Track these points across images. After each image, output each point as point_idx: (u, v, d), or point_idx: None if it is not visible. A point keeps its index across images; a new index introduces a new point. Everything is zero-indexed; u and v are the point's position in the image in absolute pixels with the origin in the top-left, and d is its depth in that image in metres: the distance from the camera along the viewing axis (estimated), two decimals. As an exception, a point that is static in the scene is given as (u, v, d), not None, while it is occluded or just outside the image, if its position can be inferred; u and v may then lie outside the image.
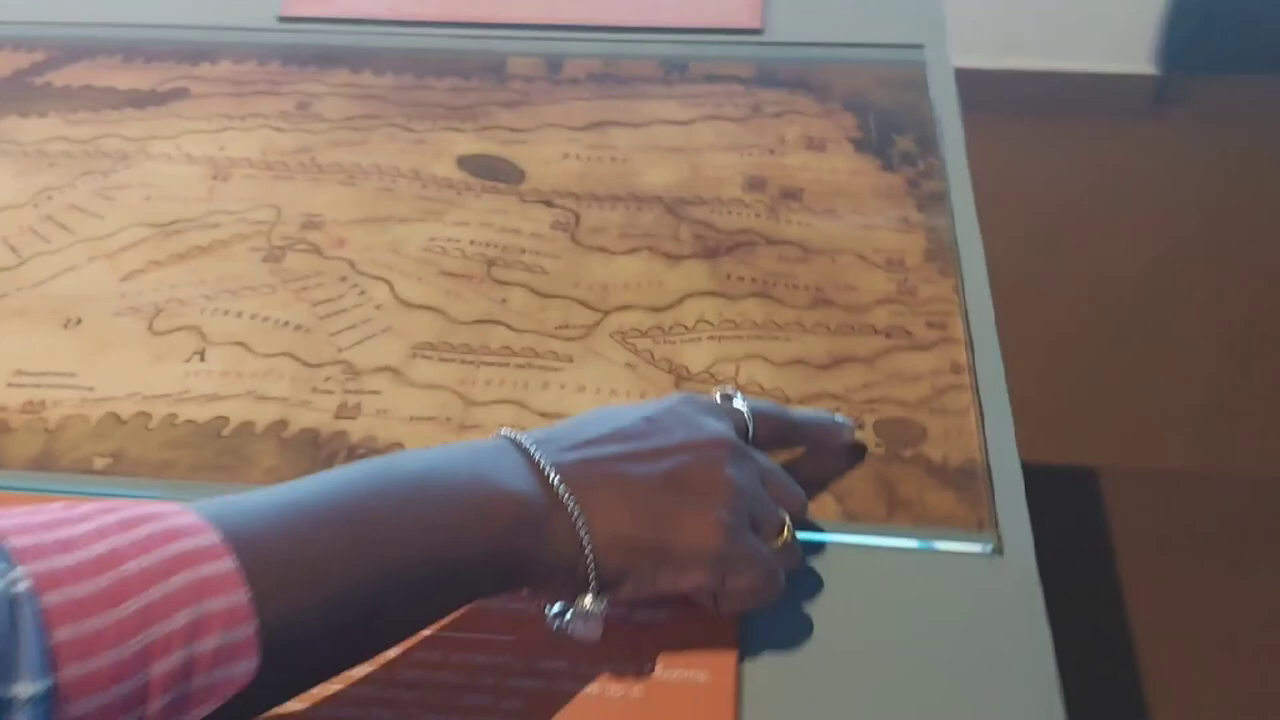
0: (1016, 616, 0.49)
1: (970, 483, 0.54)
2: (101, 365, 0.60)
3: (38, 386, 0.59)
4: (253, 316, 0.63)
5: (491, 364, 0.60)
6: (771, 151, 0.74)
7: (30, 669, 0.30)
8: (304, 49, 0.83)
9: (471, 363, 0.60)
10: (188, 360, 0.60)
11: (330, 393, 0.58)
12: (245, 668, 0.35)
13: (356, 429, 0.57)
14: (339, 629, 0.38)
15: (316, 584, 0.37)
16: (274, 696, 0.38)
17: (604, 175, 0.72)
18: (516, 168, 0.73)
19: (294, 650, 0.36)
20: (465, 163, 0.73)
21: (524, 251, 0.67)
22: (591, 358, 0.60)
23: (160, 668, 0.33)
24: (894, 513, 0.53)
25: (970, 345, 0.61)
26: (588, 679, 0.46)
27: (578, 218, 0.69)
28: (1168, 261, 1.81)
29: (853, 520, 0.53)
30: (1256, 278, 1.78)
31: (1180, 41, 2.10)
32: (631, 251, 0.67)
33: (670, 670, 0.46)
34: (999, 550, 0.51)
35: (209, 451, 0.56)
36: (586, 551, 0.41)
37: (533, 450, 0.43)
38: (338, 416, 0.57)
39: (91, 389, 0.59)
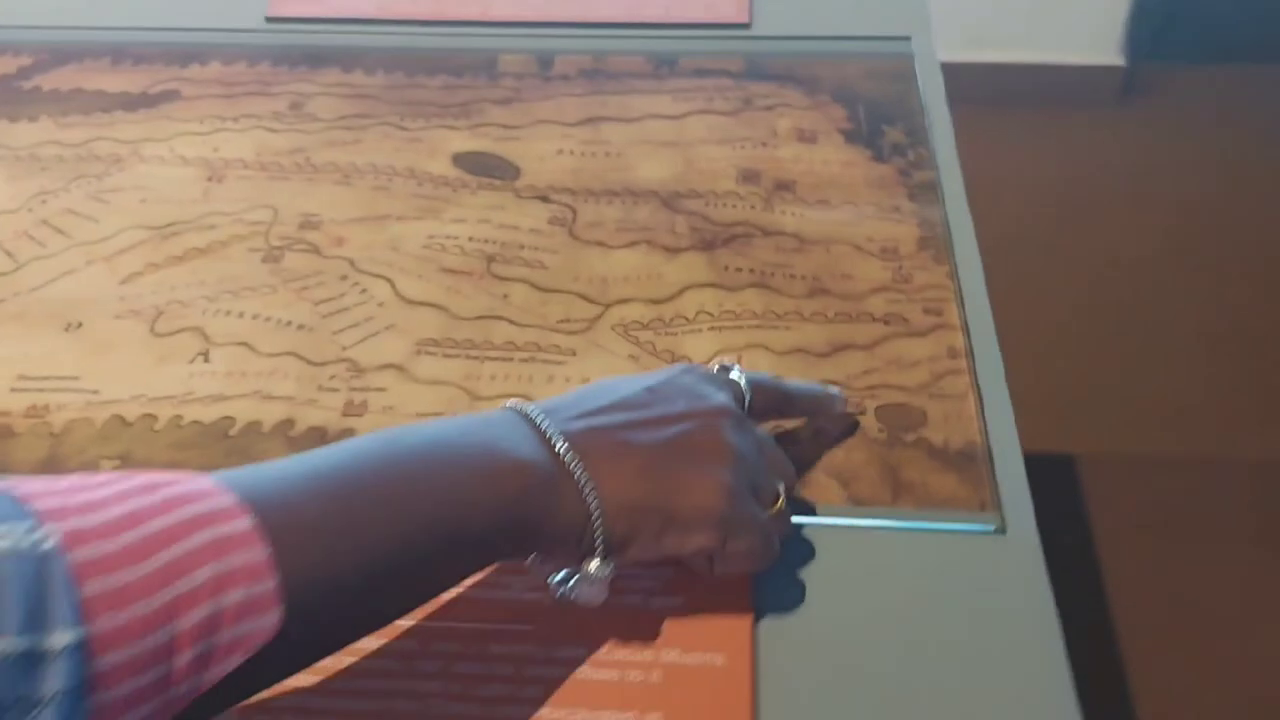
0: (1021, 594, 0.50)
1: (971, 465, 0.55)
2: (104, 368, 0.60)
3: (41, 391, 0.59)
4: (255, 317, 0.63)
5: (495, 359, 0.60)
6: (764, 144, 0.75)
7: (63, 621, 0.31)
8: (293, 49, 0.83)
9: (476, 358, 0.60)
10: (191, 361, 0.60)
11: (336, 390, 0.59)
12: (269, 621, 0.35)
13: (364, 426, 0.57)
14: (357, 591, 0.38)
15: (334, 546, 0.38)
16: (297, 657, 0.39)
17: (599, 170, 0.73)
18: (511, 164, 0.73)
19: (314, 611, 0.37)
20: (460, 160, 0.74)
21: (523, 247, 0.67)
22: (594, 350, 0.61)
23: (187, 621, 0.34)
24: (899, 496, 0.54)
25: (966, 330, 0.62)
26: (606, 665, 0.47)
27: (574, 213, 0.70)
28: (1142, 249, 1.83)
29: (859, 504, 0.53)
30: (1230, 263, 1.80)
31: (1146, 33, 2.13)
32: (629, 245, 0.67)
33: (688, 654, 0.47)
34: (1002, 530, 0.52)
35: (217, 451, 0.56)
36: (594, 516, 0.42)
37: (540, 420, 0.44)
38: (345, 414, 0.58)
39: (96, 392, 0.59)
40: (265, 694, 0.45)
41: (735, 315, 0.63)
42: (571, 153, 0.74)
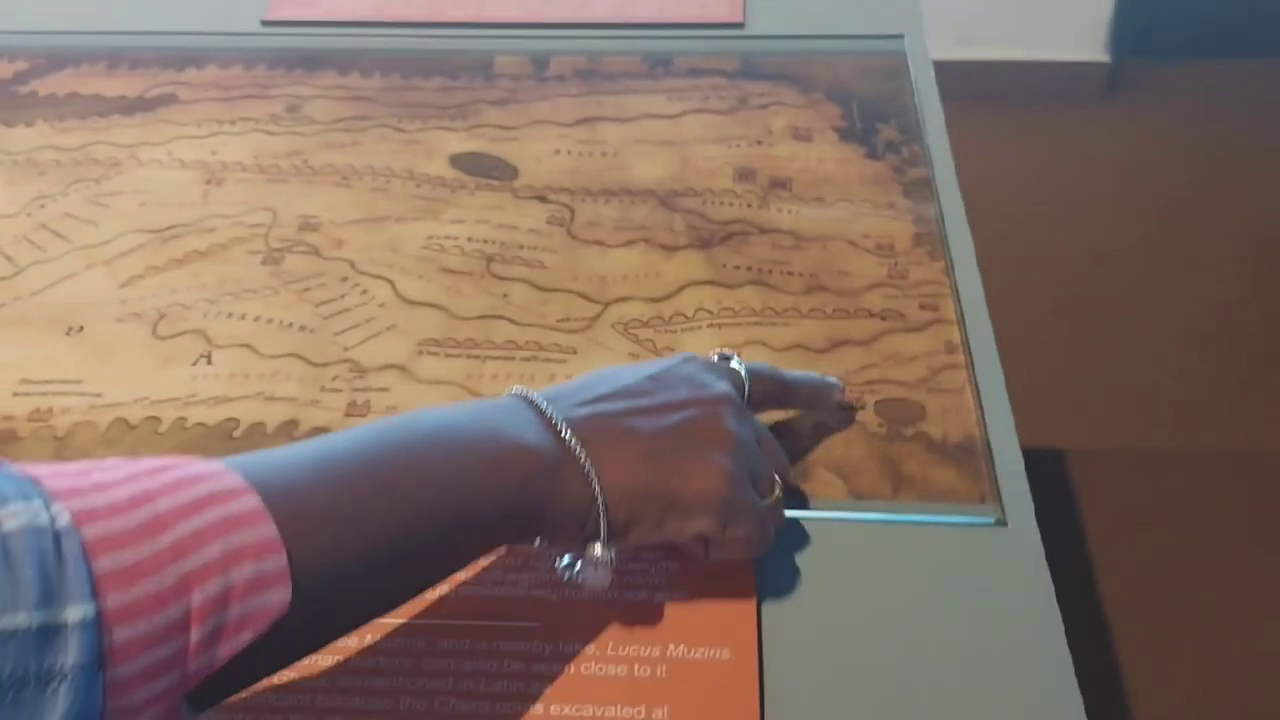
0: (1022, 584, 0.50)
1: (970, 458, 0.56)
2: (107, 371, 0.60)
3: (44, 395, 0.59)
4: (256, 318, 0.63)
5: (497, 358, 0.61)
6: (759, 143, 0.75)
7: (78, 596, 0.32)
8: (290, 52, 0.83)
9: (477, 357, 0.61)
10: (194, 364, 0.61)
11: (339, 391, 0.59)
12: (279, 597, 0.36)
13: (367, 426, 0.57)
14: (365, 572, 0.39)
15: (341, 528, 0.38)
16: (308, 638, 0.39)
17: (595, 170, 0.73)
18: (509, 165, 0.74)
19: (323, 591, 0.37)
20: (458, 161, 0.74)
21: (522, 247, 0.68)
22: (595, 349, 0.61)
23: (199, 596, 0.34)
24: (899, 490, 0.54)
25: (963, 325, 0.62)
26: (613, 661, 0.47)
27: (572, 212, 0.70)
28: (1130, 243, 1.85)
29: (861, 499, 0.54)
30: (1218, 257, 1.81)
31: (1131, 30, 2.15)
32: (627, 244, 0.68)
33: (694, 649, 0.47)
34: (1002, 521, 0.53)
35: (221, 453, 0.55)
36: (597, 501, 0.43)
37: (545, 406, 0.44)
38: (348, 414, 0.58)
39: (99, 395, 0.59)
40: (274, 695, 0.46)
41: (734, 312, 0.63)
42: (568, 153, 0.75)
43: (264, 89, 0.80)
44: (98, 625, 0.32)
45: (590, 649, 0.47)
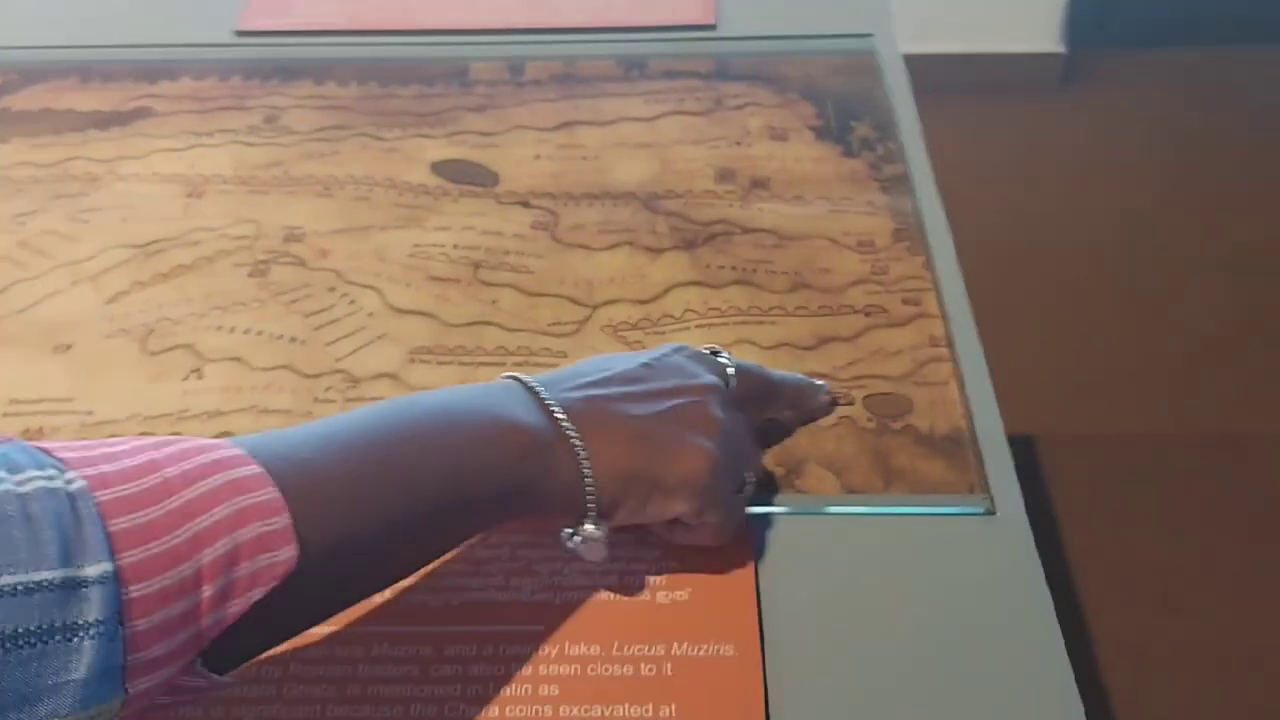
0: (1013, 571, 0.52)
1: (958, 449, 0.57)
2: (98, 388, 0.60)
3: (34, 414, 0.59)
4: (245, 331, 0.63)
5: (488, 364, 0.61)
6: (737, 143, 0.76)
7: (95, 554, 0.33)
8: (265, 63, 0.83)
9: (469, 364, 0.61)
10: (185, 379, 0.61)
11: (332, 402, 0.59)
12: (286, 555, 0.37)
13: (363, 435, 0.57)
14: (368, 540, 0.40)
15: (342, 496, 0.40)
16: (314, 607, 0.41)
17: (577, 174, 0.74)
18: (490, 171, 0.74)
19: (327, 555, 0.39)
20: (439, 168, 0.74)
21: (508, 253, 0.68)
22: (586, 352, 0.62)
23: (209, 555, 0.36)
24: (891, 483, 0.55)
25: (945, 318, 0.63)
26: (619, 661, 0.48)
27: (556, 217, 0.71)
28: (1094, 231, 1.88)
29: (853, 493, 0.55)
30: (1182, 242, 1.85)
31: (1084, 20, 2.18)
32: (612, 247, 0.68)
33: (698, 647, 0.48)
34: (991, 511, 0.54)
35: (217, 467, 0.56)
36: (587, 481, 0.45)
37: (539, 390, 0.46)
38: (342, 424, 0.58)
39: (90, 412, 0.59)
40: (284, 707, 0.46)
41: (721, 312, 0.64)
42: (549, 157, 0.75)
43: (240, 100, 0.80)
44: (116, 581, 0.33)
45: (595, 650, 0.48)
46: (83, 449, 0.36)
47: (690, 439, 0.47)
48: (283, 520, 0.37)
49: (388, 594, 0.50)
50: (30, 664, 0.31)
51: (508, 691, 0.47)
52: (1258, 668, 1.27)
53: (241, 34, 0.86)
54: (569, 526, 0.47)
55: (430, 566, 0.50)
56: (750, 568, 0.51)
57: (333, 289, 0.66)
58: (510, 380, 0.47)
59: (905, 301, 0.65)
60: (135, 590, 0.34)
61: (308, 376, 0.61)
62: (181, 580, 0.35)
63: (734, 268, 0.67)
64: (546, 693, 0.47)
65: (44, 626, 0.32)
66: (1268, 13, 2.29)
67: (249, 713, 0.46)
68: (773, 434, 0.57)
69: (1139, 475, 1.48)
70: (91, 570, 0.33)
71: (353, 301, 0.65)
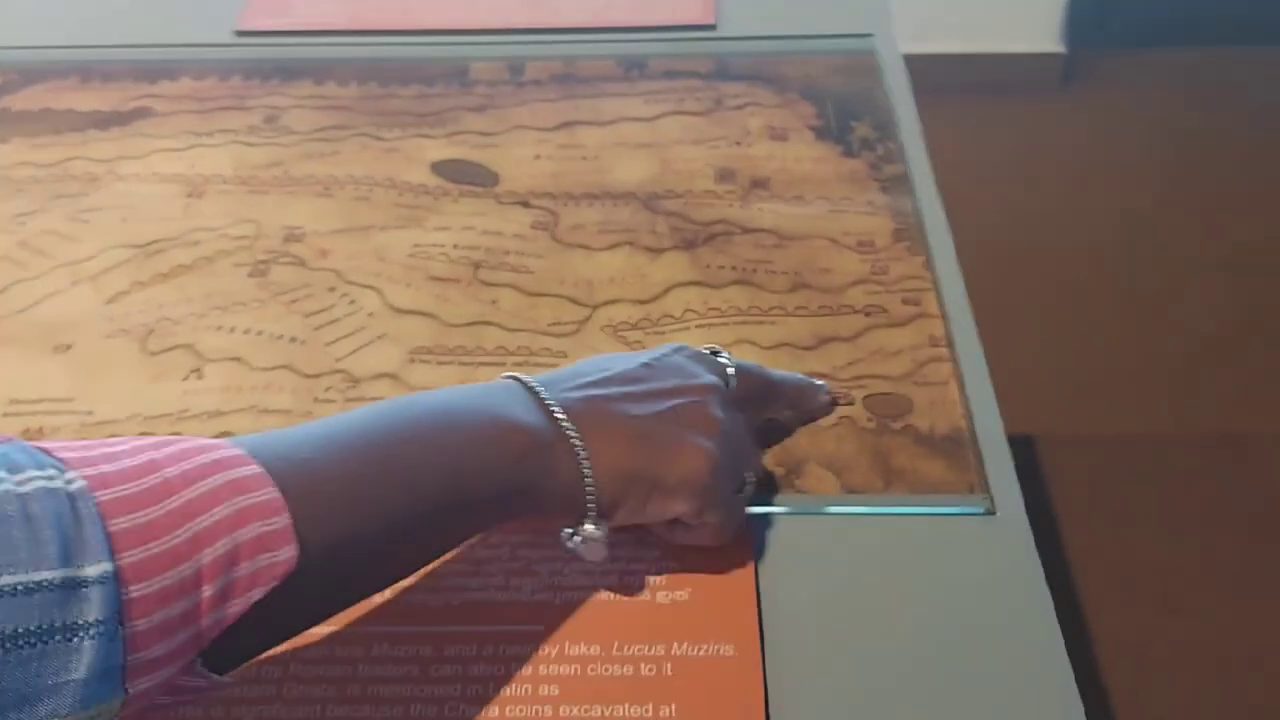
0: (1013, 571, 0.52)
1: (958, 449, 0.57)
2: (98, 388, 0.60)
3: (34, 414, 0.59)
4: (245, 331, 0.63)
5: (489, 364, 0.61)
6: (737, 143, 0.76)
7: (96, 554, 0.33)
8: (264, 63, 0.83)
9: (469, 364, 0.61)
10: (185, 378, 0.61)
11: (333, 402, 0.59)
12: (286, 555, 0.37)
13: (363, 435, 0.57)
14: (368, 540, 0.40)
15: (343, 495, 0.40)
16: (316, 603, 0.41)
17: (577, 174, 0.74)
18: (490, 171, 0.74)
19: (328, 555, 0.39)
20: (439, 168, 0.74)
21: (508, 253, 0.68)
22: (586, 352, 0.62)
23: (209, 555, 0.36)
24: (891, 483, 0.55)
25: (945, 318, 0.63)
26: (619, 661, 0.48)
27: (556, 217, 0.71)
28: (1093, 231, 1.88)
29: (853, 493, 0.55)
30: (1182, 241, 1.85)
31: (1084, 20, 2.19)
32: (612, 247, 0.68)
33: (698, 646, 0.48)
34: (991, 511, 0.54)
35: (217, 467, 0.56)
36: (587, 481, 0.45)
37: (540, 390, 0.46)
38: (342, 424, 0.58)
39: (90, 412, 0.59)
40: (284, 707, 0.46)
41: (721, 312, 0.64)
42: (549, 157, 0.75)
43: (240, 100, 0.80)
44: (116, 581, 0.33)
45: (595, 650, 0.48)
46: (83, 449, 0.36)
47: (690, 439, 0.47)
48: (283, 520, 0.37)
49: (388, 594, 0.50)
50: (30, 664, 0.31)
51: (508, 691, 0.47)
52: (1258, 668, 1.27)
53: (241, 34, 0.86)
54: (569, 526, 0.47)
55: (430, 567, 0.50)
56: (750, 568, 0.51)
57: (333, 289, 0.66)
58: (510, 380, 0.47)
59: (905, 301, 0.65)
60: (135, 590, 0.34)
61: (308, 376, 0.61)
62: (181, 580, 0.35)
63: (734, 268, 0.67)
64: (546, 693, 0.47)
65: (44, 626, 0.32)
66: (1267, 13, 2.29)
67: (249, 713, 0.46)
68: (773, 434, 0.57)
69: (1139, 475, 1.48)
70: (91, 570, 0.33)
71: (353, 301, 0.65)
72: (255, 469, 0.38)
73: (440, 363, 0.61)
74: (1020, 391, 1.56)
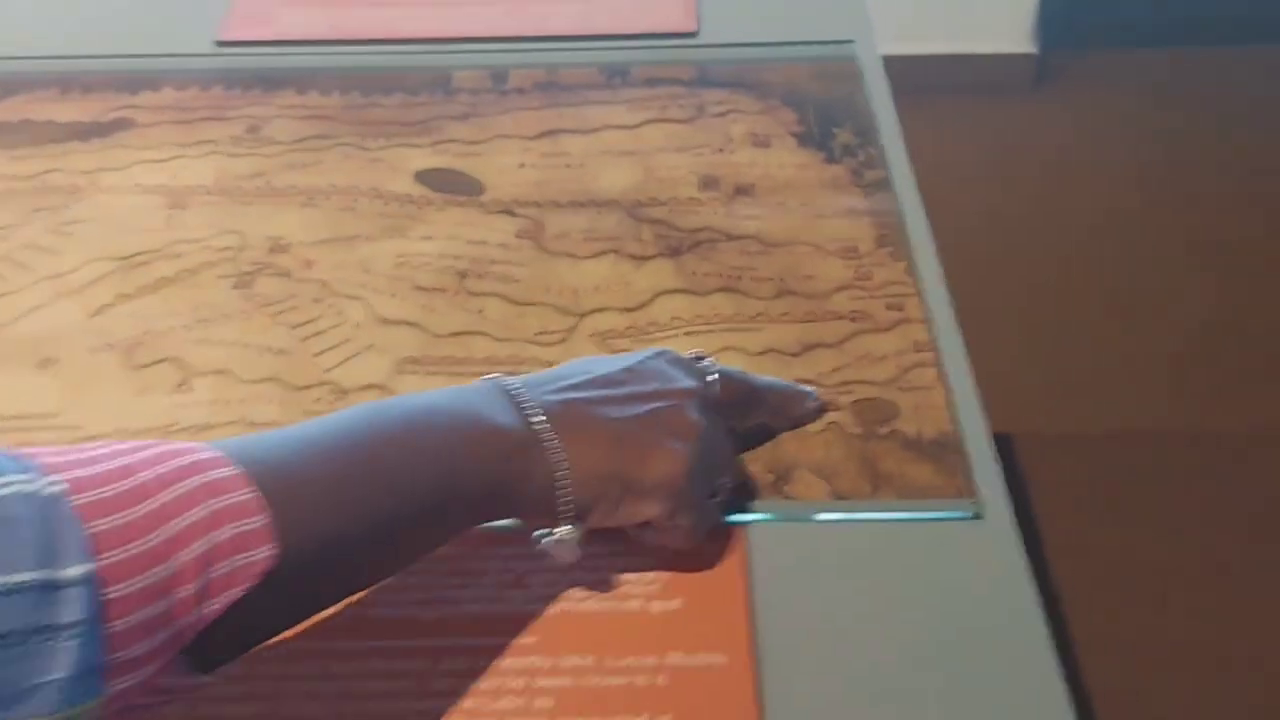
0: (1002, 575, 0.52)
1: (944, 454, 0.57)
2: (84, 403, 0.60)
3: (20, 430, 0.59)
4: (232, 344, 0.63)
5: (477, 374, 0.60)
6: (720, 150, 0.76)
7: (74, 555, 0.34)
8: (246, 73, 0.83)
9: (458, 374, 0.61)
10: (172, 392, 0.60)
11: (322, 414, 0.59)
12: (264, 554, 0.38)
13: (352, 447, 0.57)
14: (347, 540, 0.41)
15: (322, 495, 0.41)
16: (293, 607, 0.42)
17: (561, 182, 0.74)
18: (475, 180, 0.74)
19: (306, 555, 0.39)
20: (423, 177, 0.74)
21: (493, 262, 0.68)
22: (578, 359, 0.62)
23: (187, 555, 0.36)
24: (879, 488, 0.56)
25: (929, 323, 0.64)
26: (613, 672, 0.48)
27: (541, 225, 0.71)
28: (1069, 230, 1.89)
29: (842, 498, 0.55)
30: (1156, 239, 1.86)
31: (1056, 20, 2.21)
32: (598, 255, 0.69)
33: (692, 656, 0.48)
34: (979, 515, 0.55)
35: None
36: (563, 483, 0.46)
37: (519, 392, 0.47)
38: (331, 437, 0.58)
39: (77, 428, 0.59)
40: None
41: (707, 320, 0.64)
42: (533, 165, 0.75)
43: (222, 110, 0.79)
44: (95, 582, 0.34)
45: (589, 661, 0.48)
46: (60, 454, 0.37)
47: (665, 442, 0.47)
48: (260, 520, 0.38)
49: (381, 609, 0.50)
50: (11, 665, 0.32)
51: (503, 705, 0.47)
52: (1258, 668, 1.28)
53: (222, 44, 0.85)
54: (545, 528, 0.47)
55: (423, 579, 0.51)
56: (742, 576, 0.51)
57: (319, 300, 0.66)
58: (491, 382, 0.48)
59: (889, 307, 0.65)
60: (114, 591, 0.34)
61: (296, 388, 0.60)
62: (160, 580, 0.35)
63: (719, 275, 0.67)
64: (542, 705, 0.47)
65: (24, 628, 0.32)
66: (1233, 13, 2.32)
67: (244, 728, 0.46)
68: (756, 437, 0.58)
69: (1121, 473, 1.50)
70: (70, 572, 0.33)
71: (339, 312, 0.65)
72: (232, 470, 0.38)
73: (429, 373, 0.61)
74: (999, 391, 1.57)
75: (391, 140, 0.77)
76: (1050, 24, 2.21)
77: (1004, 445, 1.49)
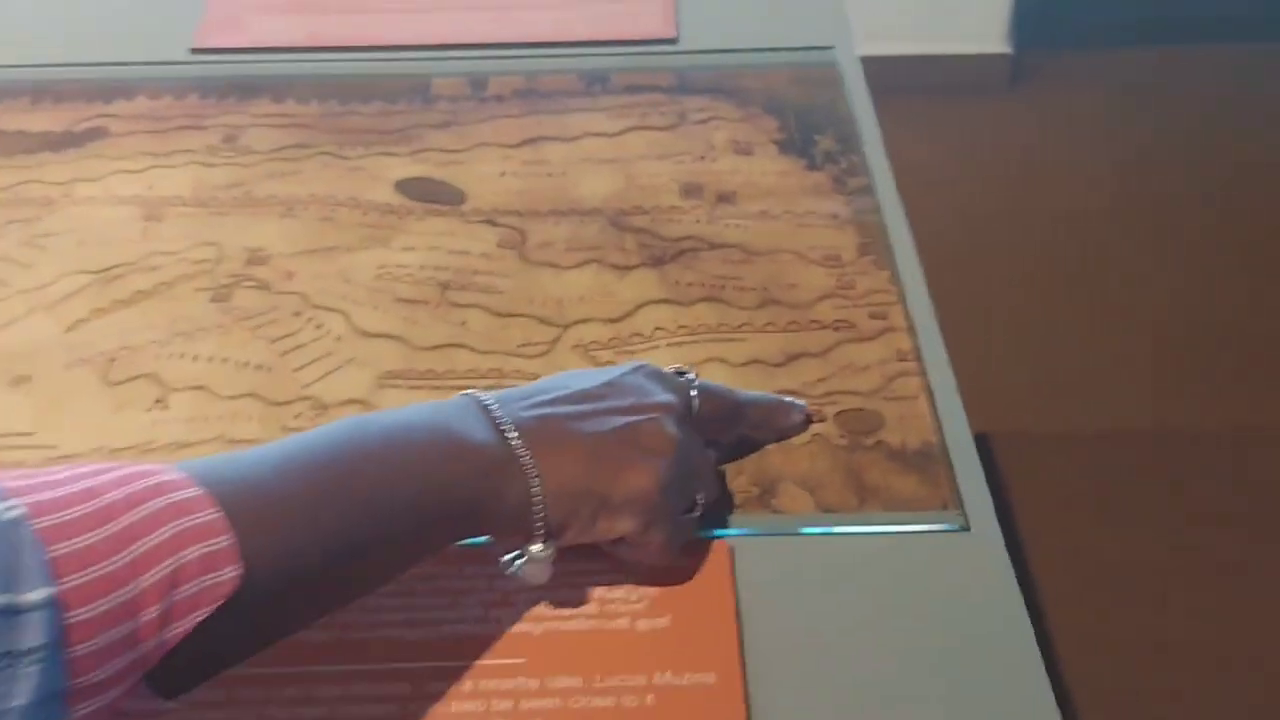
0: (988, 587, 0.52)
1: (929, 464, 0.57)
2: (60, 422, 0.59)
3: (-6, 448, 0.58)
4: (210, 359, 0.62)
5: (460, 387, 0.60)
6: (702, 158, 0.76)
7: (35, 579, 0.33)
8: (221, 80, 0.82)
9: (440, 388, 0.61)
10: (149, 409, 0.59)
11: (302, 430, 0.58)
12: (230, 576, 0.37)
13: (334, 464, 0.57)
14: (318, 560, 0.41)
15: (290, 515, 0.40)
16: (265, 626, 0.41)
17: (543, 190, 0.73)
18: (455, 189, 0.74)
19: (275, 576, 0.39)
20: (403, 186, 0.74)
21: (475, 273, 0.68)
22: (557, 373, 0.61)
23: (150, 578, 0.36)
24: (865, 500, 0.56)
25: (913, 332, 0.64)
26: (601, 692, 0.47)
27: (523, 235, 0.70)
28: (1048, 230, 1.90)
29: (828, 511, 0.55)
30: (1135, 239, 1.88)
31: (1030, 21, 2.22)
32: (580, 265, 0.68)
33: (680, 675, 0.48)
34: (965, 527, 0.54)
35: (186, 499, 0.55)
36: (536, 500, 0.45)
37: (494, 408, 0.46)
38: (313, 453, 0.57)
39: (53, 447, 0.58)
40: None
41: (691, 330, 0.64)
42: (514, 174, 0.75)
43: (198, 119, 0.78)
44: (56, 606, 0.33)
45: (576, 681, 0.48)
46: (22, 477, 0.36)
47: (640, 458, 0.47)
48: (226, 540, 0.37)
49: (365, 631, 0.49)
50: None
51: (489, 724, 0.46)
52: (1258, 668, 1.28)
53: (197, 51, 0.84)
54: (518, 546, 0.47)
55: (407, 600, 0.50)
56: (730, 593, 0.51)
57: (298, 313, 0.65)
58: (466, 397, 0.47)
59: (873, 316, 0.65)
60: (76, 615, 0.34)
61: (276, 404, 0.60)
62: (123, 603, 0.35)
63: (703, 284, 0.67)
64: (529, 724, 0.47)
65: None
66: (1207, 12, 2.34)
67: (227, 754, 0.45)
68: (741, 449, 0.57)
69: (1099, 472, 1.51)
70: (31, 596, 0.33)
71: (319, 325, 0.64)
72: (196, 491, 0.38)
73: (411, 387, 0.61)
74: (977, 391, 1.58)
75: (370, 149, 0.76)
76: (1025, 24, 2.22)
77: (987, 446, 1.50)
